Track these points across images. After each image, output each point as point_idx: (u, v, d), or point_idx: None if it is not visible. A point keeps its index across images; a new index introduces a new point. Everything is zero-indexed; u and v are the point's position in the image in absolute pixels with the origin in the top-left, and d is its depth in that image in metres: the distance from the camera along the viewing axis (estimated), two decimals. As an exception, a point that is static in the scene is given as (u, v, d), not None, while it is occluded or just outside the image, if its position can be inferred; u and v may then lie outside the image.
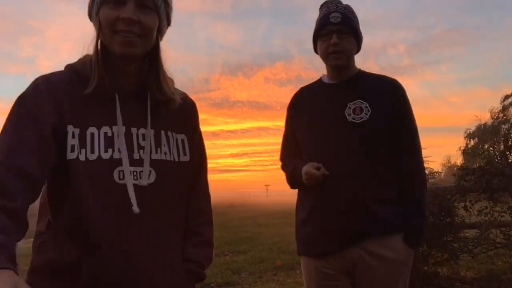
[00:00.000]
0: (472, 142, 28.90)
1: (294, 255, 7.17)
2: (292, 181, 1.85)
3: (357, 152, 1.66)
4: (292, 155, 1.86)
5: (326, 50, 1.72)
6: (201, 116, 1.31)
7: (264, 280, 5.61)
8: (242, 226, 14.64)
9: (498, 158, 4.66)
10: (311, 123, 1.77)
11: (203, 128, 1.30)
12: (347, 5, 1.76)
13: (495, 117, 27.76)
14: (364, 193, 1.64)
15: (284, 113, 1.85)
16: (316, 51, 1.79)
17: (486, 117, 28.81)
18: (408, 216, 1.67)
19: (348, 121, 1.68)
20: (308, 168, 1.65)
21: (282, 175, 1.93)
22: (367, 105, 1.68)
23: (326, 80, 1.82)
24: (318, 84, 1.85)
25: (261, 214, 23.96)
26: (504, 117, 27.51)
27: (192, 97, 1.31)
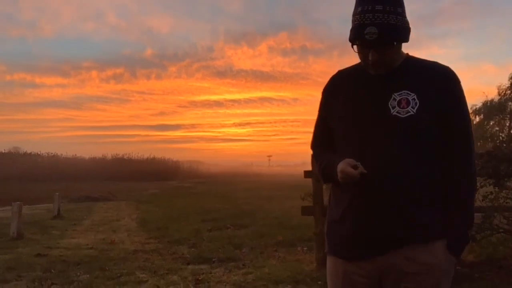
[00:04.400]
0: (477, 119, 28.65)
1: (295, 231, 7.22)
2: (325, 177, 1.66)
3: (401, 151, 1.48)
4: (325, 145, 1.69)
5: (364, 61, 1.53)
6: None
7: (265, 256, 5.65)
8: (245, 199, 14.75)
9: (505, 144, 4.57)
10: (349, 114, 1.56)
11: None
12: None
13: (503, 94, 27.41)
14: (405, 195, 1.48)
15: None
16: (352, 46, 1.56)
17: (492, 93, 28.47)
18: (453, 221, 1.52)
19: (392, 114, 1.47)
20: (344, 166, 1.47)
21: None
22: (415, 96, 1.48)
23: None
24: (358, 68, 1.61)
25: (263, 185, 24.15)
26: (512, 94, 27.16)
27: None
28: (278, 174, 51.46)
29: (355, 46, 1.54)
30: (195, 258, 5.54)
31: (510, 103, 27.24)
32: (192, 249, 6.17)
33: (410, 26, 1.54)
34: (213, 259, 5.45)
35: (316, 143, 1.76)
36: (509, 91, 27.24)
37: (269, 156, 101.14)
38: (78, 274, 4.80)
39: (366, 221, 1.52)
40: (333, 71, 1.78)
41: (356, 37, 1.48)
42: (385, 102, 1.51)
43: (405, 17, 1.53)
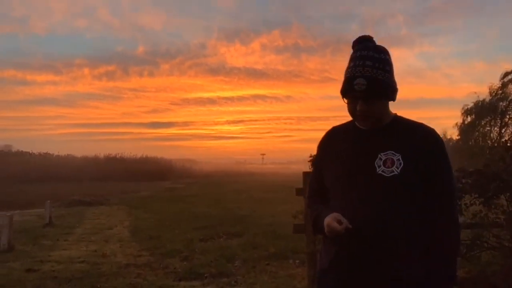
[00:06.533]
0: (469, 119, 28.81)
1: (288, 241, 7.23)
2: (315, 229, 1.76)
3: (384, 207, 1.55)
4: (319, 196, 1.78)
5: (353, 112, 1.62)
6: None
7: (258, 271, 5.66)
8: (238, 202, 14.74)
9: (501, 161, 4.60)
10: (339, 170, 1.66)
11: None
12: (377, 56, 1.58)
13: (494, 94, 27.58)
14: (388, 251, 1.54)
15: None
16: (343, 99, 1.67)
17: (483, 91, 28.64)
18: (437, 275, 1.58)
19: (377, 173, 1.56)
20: (330, 220, 1.54)
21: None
22: (400, 157, 1.56)
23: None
24: (350, 126, 1.72)
25: (256, 186, 24.15)
26: (503, 94, 27.35)
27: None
28: (272, 172, 51.50)
29: (345, 100, 1.64)
30: (187, 273, 5.54)
31: (501, 103, 27.43)
32: (184, 263, 6.16)
33: (395, 76, 1.63)
34: (205, 275, 5.45)
35: (311, 194, 1.86)
36: (500, 91, 27.43)
37: (263, 154, 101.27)
38: (69, 293, 4.78)
39: (350, 274, 1.59)
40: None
41: (347, 88, 1.59)
42: (372, 161, 1.60)
43: (393, 76, 1.64)
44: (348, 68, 1.62)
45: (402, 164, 1.55)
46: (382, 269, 1.55)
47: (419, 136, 1.61)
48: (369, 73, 1.55)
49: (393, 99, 1.64)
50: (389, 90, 1.60)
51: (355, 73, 1.56)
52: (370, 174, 1.58)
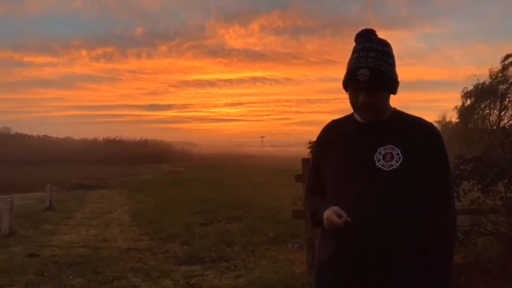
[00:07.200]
0: (468, 101, 28.74)
1: (287, 225, 7.30)
2: (314, 222, 1.76)
3: (383, 202, 1.55)
4: (318, 190, 1.79)
5: (355, 103, 1.62)
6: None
7: (257, 255, 5.72)
8: (237, 186, 14.81)
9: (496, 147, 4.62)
10: (338, 164, 1.67)
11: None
12: (380, 49, 1.58)
13: (494, 77, 27.46)
14: (386, 246, 1.55)
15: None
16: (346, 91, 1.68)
17: (483, 73, 28.55)
18: (434, 273, 1.59)
19: (377, 167, 1.57)
20: (329, 214, 1.55)
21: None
22: (399, 151, 1.57)
23: (358, 117, 1.70)
24: (349, 120, 1.73)
25: (256, 170, 24.24)
26: (503, 77, 27.24)
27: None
28: (271, 155, 51.62)
29: (348, 91, 1.64)
30: (187, 258, 5.60)
31: (501, 86, 27.35)
32: (185, 247, 6.23)
33: (397, 76, 1.63)
34: (205, 259, 5.51)
35: (309, 188, 1.86)
36: (500, 74, 27.32)
37: (262, 136, 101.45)
38: (71, 277, 4.83)
39: (349, 269, 1.60)
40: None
41: (349, 79, 1.59)
42: (371, 155, 1.60)
43: (395, 69, 1.63)
44: (351, 59, 1.61)
45: (401, 158, 1.56)
46: (382, 267, 1.55)
47: (418, 130, 1.62)
48: (373, 64, 1.55)
49: (394, 92, 1.63)
50: (391, 83, 1.61)
51: (358, 64, 1.56)
52: (369, 168, 1.58)
